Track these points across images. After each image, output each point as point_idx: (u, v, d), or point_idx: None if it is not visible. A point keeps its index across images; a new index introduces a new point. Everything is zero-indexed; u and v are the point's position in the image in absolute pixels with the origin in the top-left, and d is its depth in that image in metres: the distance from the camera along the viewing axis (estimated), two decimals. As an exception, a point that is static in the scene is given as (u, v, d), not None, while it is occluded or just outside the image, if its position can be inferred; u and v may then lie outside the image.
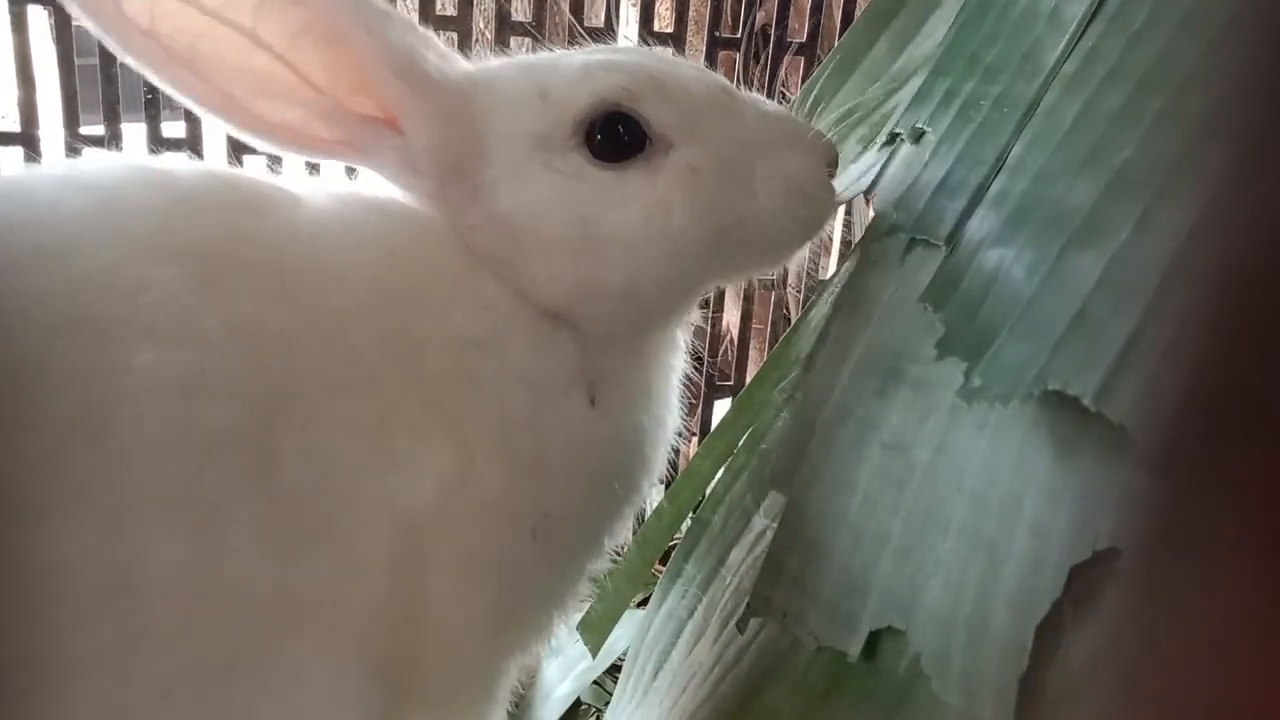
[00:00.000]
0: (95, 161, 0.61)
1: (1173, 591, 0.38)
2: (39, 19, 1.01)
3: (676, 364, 0.74)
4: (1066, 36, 0.56)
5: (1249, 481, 0.35)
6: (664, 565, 0.78)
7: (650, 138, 0.63)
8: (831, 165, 0.67)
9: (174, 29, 0.60)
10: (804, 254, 0.71)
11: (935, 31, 0.72)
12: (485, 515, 0.61)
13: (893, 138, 0.67)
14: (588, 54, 0.67)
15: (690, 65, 0.70)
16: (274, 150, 0.68)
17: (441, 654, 0.62)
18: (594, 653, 0.79)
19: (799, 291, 1.45)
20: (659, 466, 0.72)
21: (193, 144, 1.07)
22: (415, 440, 0.59)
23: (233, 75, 0.62)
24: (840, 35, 1.24)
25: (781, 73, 1.24)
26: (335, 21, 0.62)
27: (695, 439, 1.39)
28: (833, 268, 1.39)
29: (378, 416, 0.58)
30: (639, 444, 0.70)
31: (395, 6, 0.68)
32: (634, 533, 1.07)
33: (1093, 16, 0.55)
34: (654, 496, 1.33)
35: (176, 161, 0.62)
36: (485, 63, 0.70)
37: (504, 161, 0.64)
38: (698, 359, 1.36)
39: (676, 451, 0.77)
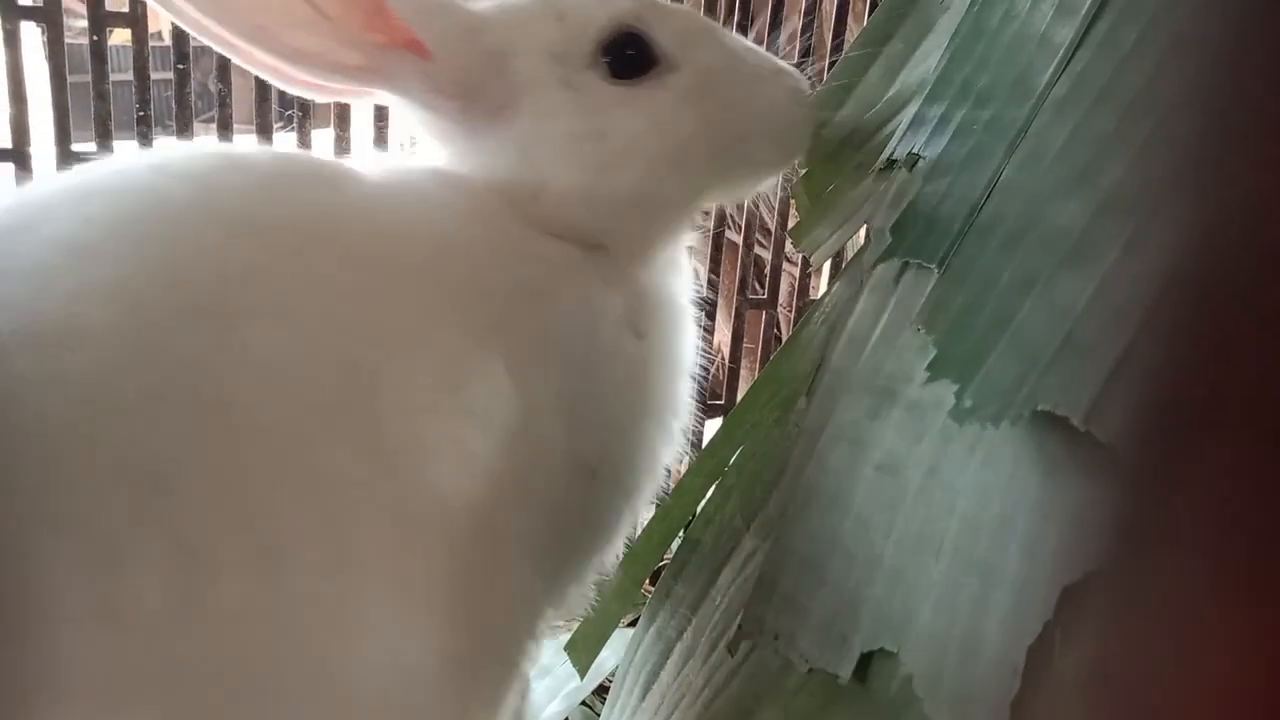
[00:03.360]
0: (179, 151, 0.64)
1: (1152, 603, 0.38)
2: (32, 35, 1.01)
3: (685, 285, 0.79)
4: (1056, 60, 0.56)
5: (1222, 484, 0.35)
6: (653, 585, 0.78)
7: (658, 58, 0.70)
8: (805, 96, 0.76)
9: None
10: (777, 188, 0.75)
11: (929, 56, 0.72)
12: (548, 458, 0.63)
13: (889, 164, 0.67)
14: None
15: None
16: (312, 83, 0.72)
17: (496, 603, 0.62)
18: (581, 673, 0.79)
19: (790, 311, 1.45)
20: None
21: (184, 161, 1.07)
22: (486, 389, 0.60)
23: (258, 6, 0.67)
24: (830, 49, 1.25)
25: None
26: None
27: (686, 457, 1.39)
28: (823, 288, 1.40)
29: (447, 367, 0.58)
30: (680, 365, 0.76)
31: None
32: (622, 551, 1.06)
33: (1082, 40, 0.55)
34: (643, 516, 1.32)
35: (248, 146, 0.65)
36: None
37: (524, 80, 0.70)
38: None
39: (668, 470, 0.78)
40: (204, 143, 0.70)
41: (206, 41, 0.72)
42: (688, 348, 0.77)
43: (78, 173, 0.60)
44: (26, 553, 0.44)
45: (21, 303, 0.48)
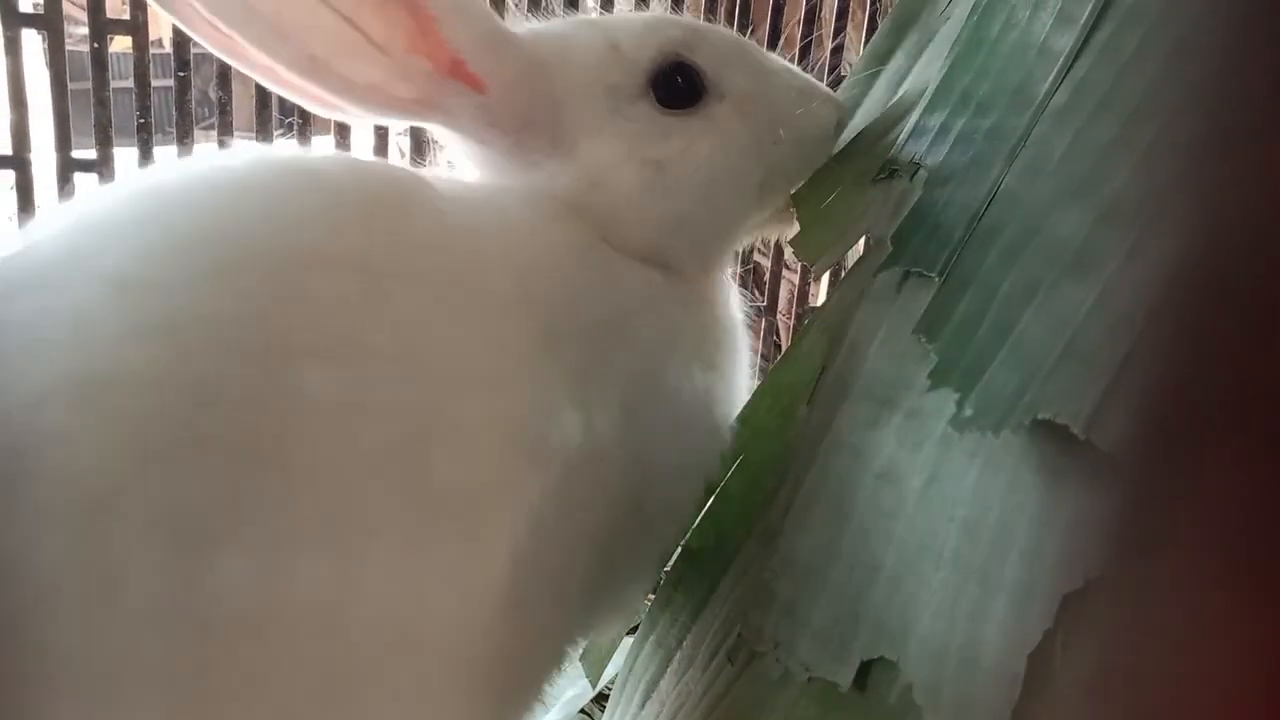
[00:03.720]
0: (252, 161, 0.60)
1: (1153, 610, 0.38)
2: (32, 42, 1.01)
3: (735, 304, 0.79)
4: (1056, 68, 0.56)
5: (1223, 490, 0.35)
6: (653, 594, 0.78)
7: (706, 87, 0.70)
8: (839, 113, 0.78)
9: None
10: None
11: (929, 65, 0.72)
12: (602, 503, 0.62)
13: (890, 173, 0.67)
14: (641, 13, 0.76)
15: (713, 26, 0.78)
16: (363, 116, 0.70)
17: (532, 649, 0.61)
18: (594, 684, 0.79)
19: (789, 318, 1.45)
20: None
21: (184, 168, 1.07)
22: (558, 438, 0.58)
23: (310, 34, 0.65)
24: (830, 55, 1.26)
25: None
26: None
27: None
28: (822, 295, 1.40)
29: (522, 414, 0.57)
30: (739, 396, 0.75)
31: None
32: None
33: (1082, 48, 0.56)
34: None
35: (325, 156, 0.65)
36: (530, 25, 0.75)
37: (579, 111, 0.69)
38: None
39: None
40: (283, 148, 0.66)
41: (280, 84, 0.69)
42: (746, 376, 0.77)
43: (142, 189, 0.56)
44: (55, 619, 0.43)
45: (67, 344, 0.46)
